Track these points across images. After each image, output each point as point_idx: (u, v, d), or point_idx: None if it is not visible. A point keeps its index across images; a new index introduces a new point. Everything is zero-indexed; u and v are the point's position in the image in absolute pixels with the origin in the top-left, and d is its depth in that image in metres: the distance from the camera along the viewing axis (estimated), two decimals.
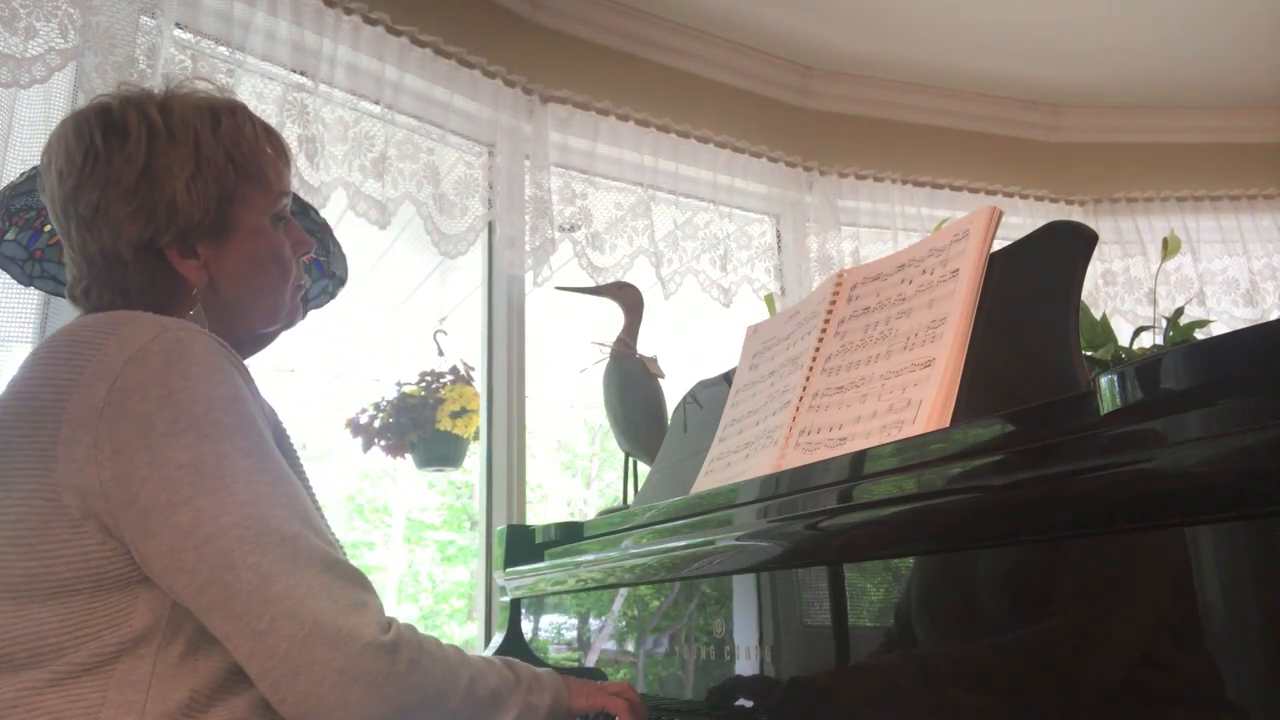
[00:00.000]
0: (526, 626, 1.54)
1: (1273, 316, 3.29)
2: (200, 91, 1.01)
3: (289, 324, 1.09)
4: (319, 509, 0.98)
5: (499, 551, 1.62)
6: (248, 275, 1.01)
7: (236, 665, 0.81)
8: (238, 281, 1.00)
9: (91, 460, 0.80)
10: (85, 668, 0.79)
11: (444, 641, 0.91)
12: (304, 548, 0.81)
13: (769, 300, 1.98)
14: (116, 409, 0.81)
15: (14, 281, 1.37)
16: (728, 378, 1.49)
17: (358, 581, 0.84)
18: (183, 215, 0.94)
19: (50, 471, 0.81)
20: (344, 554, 0.99)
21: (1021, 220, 3.31)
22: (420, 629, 0.89)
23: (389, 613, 0.86)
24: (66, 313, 1.63)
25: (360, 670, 0.78)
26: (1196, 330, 1.55)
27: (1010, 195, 3.44)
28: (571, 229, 2.72)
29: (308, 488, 0.98)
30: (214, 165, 0.97)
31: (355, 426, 2.67)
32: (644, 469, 1.83)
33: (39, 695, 0.79)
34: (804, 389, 1.20)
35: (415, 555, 5.77)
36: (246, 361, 1.04)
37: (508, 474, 2.54)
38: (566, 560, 1.42)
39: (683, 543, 1.12)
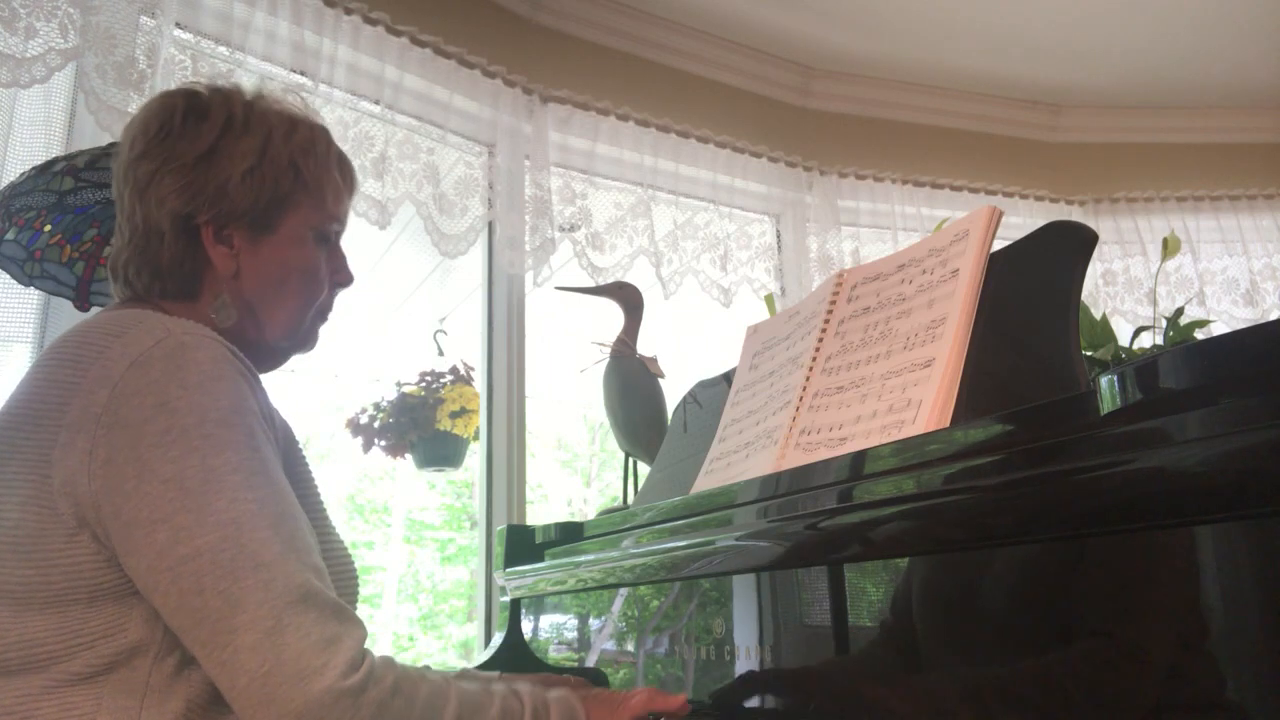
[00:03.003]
0: (526, 626, 1.54)
1: (1273, 316, 3.28)
2: (290, 104, 1.03)
3: (301, 347, 1.07)
4: (325, 518, 0.96)
5: (499, 551, 1.62)
6: (275, 278, 1.00)
7: None
8: (263, 282, 0.99)
9: (84, 468, 0.79)
10: (81, 677, 0.78)
11: (435, 674, 0.87)
12: (279, 576, 0.77)
13: (769, 300, 1.98)
14: (113, 415, 0.80)
15: (14, 281, 1.38)
16: (728, 378, 1.49)
17: (335, 614, 0.79)
18: (229, 200, 0.95)
19: (47, 477, 0.80)
20: (351, 570, 0.97)
21: (1021, 220, 3.31)
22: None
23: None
24: (67, 312, 1.64)
25: (319, 715, 0.74)
26: (1196, 330, 1.55)
27: (1010, 195, 3.44)
28: (571, 229, 2.72)
29: (316, 497, 0.96)
30: (276, 166, 0.98)
31: (355, 426, 2.67)
32: (644, 469, 1.83)
33: (34, 702, 0.78)
34: (804, 389, 1.20)
35: (415, 555, 5.76)
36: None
37: (508, 474, 2.54)
38: (566, 560, 1.42)
39: (683, 543, 1.12)
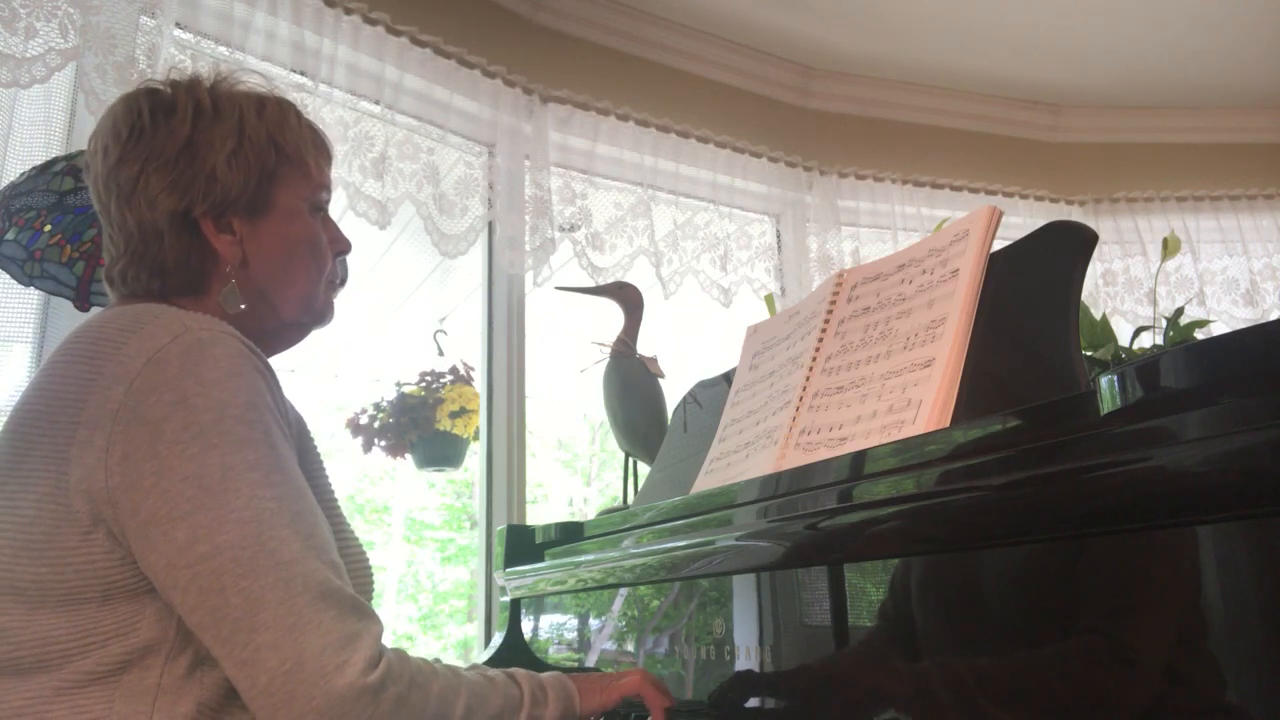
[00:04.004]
0: (526, 626, 1.54)
1: (1273, 316, 3.28)
2: (251, 82, 1.02)
3: (320, 320, 1.07)
4: (339, 512, 0.96)
5: (499, 551, 1.62)
6: (282, 257, 1.00)
7: None
8: (271, 262, 0.99)
9: (101, 465, 0.79)
10: (92, 677, 0.78)
11: (444, 667, 0.88)
12: (299, 574, 0.77)
13: (769, 300, 1.98)
14: (131, 412, 0.79)
15: (14, 281, 1.38)
16: (728, 378, 1.49)
17: (354, 611, 0.80)
18: (221, 187, 0.94)
19: (64, 475, 0.80)
20: (366, 565, 0.97)
21: (1021, 220, 3.31)
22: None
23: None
24: (67, 312, 1.64)
25: (340, 712, 0.75)
26: (1196, 330, 1.55)
27: (1010, 195, 3.44)
28: (571, 229, 2.72)
29: (329, 492, 0.96)
30: (256, 144, 0.97)
31: (355, 426, 2.68)
32: (644, 469, 1.83)
33: (46, 705, 0.78)
34: (804, 389, 1.20)
35: (415, 555, 5.77)
36: (274, 358, 1.03)
37: (508, 474, 2.54)
38: (566, 560, 1.42)
39: (683, 543, 1.12)
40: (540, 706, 0.94)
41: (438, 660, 0.91)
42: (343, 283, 1.12)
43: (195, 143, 0.94)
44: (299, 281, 1.02)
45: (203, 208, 0.94)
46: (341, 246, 1.09)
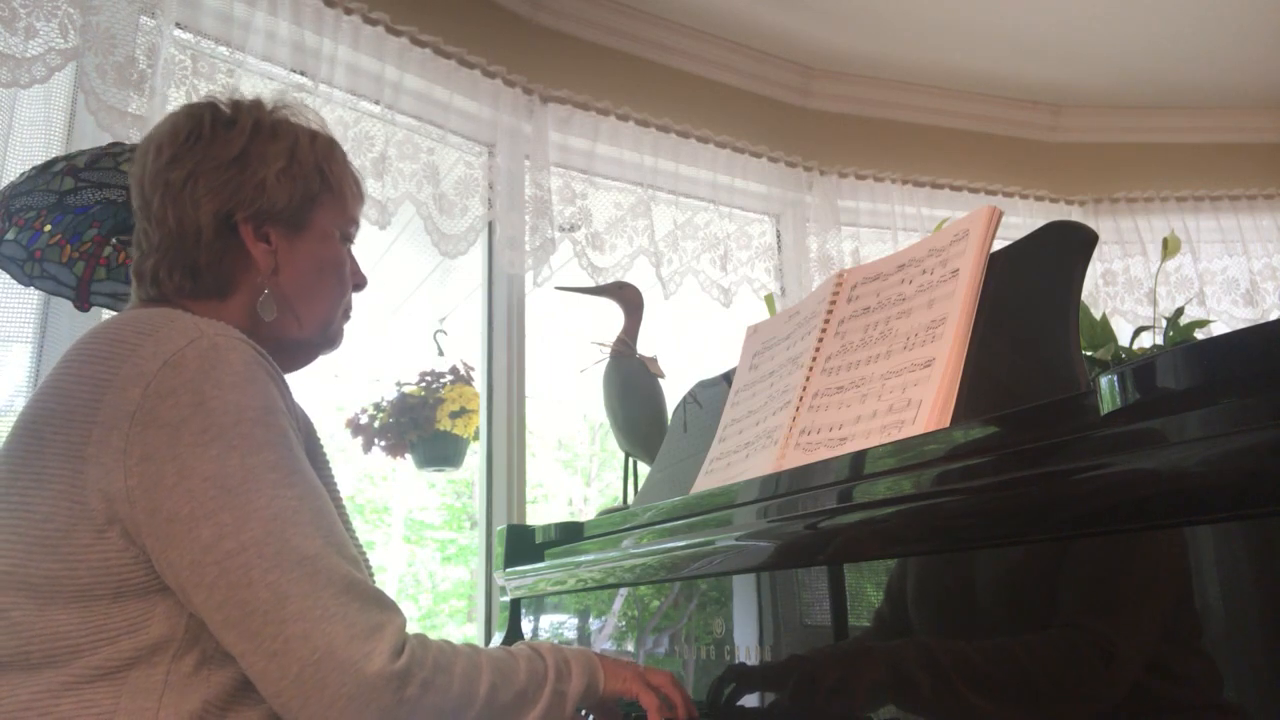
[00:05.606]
0: (526, 626, 1.54)
1: (1273, 316, 3.28)
2: (308, 116, 1.09)
3: (331, 343, 1.11)
4: (345, 516, 0.98)
5: (499, 551, 1.62)
6: (311, 274, 1.04)
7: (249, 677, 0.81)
8: (300, 278, 1.03)
9: (119, 465, 0.80)
10: (100, 673, 0.80)
11: (465, 646, 0.89)
12: (324, 568, 0.80)
13: (769, 300, 1.97)
14: (148, 414, 0.81)
15: (14, 281, 1.38)
16: (728, 378, 1.49)
17: (377, 602, 0.83)
18: (268, 197, 0.99)
19: (79, 473, 0.81)
20: (368, 565, 0.98)
21: (1021, 220, 3.31)
22: (421, 630, 0.88)
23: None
24: (67, 312, 1.64)
25: (370, 698, 0.77)
26: (1196, 330, 1.55)
27: (1010, 195, 3.44)
28: (571, 229, 2.73)
29: (335, 494, 0.98)
30: (304, 167, 1.03)
31: (355, 426, 2.67)
32: (644, 469, 1.83)
33: (54, 699, 0.79)
34: (804, 389, 1.20)
35: (415, 555, 5.77)
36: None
37: (508, 474, 2.54)
38: (567, 560, 1.42)
39: (683, 543, 1.12)
40: (565, 680, 0.95)
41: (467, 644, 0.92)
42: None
43: (249, 154, 0.99)
44: (322, 300, 1.06)
45: (245, 214, 0.98)
46: (360, 279, 1.14)
